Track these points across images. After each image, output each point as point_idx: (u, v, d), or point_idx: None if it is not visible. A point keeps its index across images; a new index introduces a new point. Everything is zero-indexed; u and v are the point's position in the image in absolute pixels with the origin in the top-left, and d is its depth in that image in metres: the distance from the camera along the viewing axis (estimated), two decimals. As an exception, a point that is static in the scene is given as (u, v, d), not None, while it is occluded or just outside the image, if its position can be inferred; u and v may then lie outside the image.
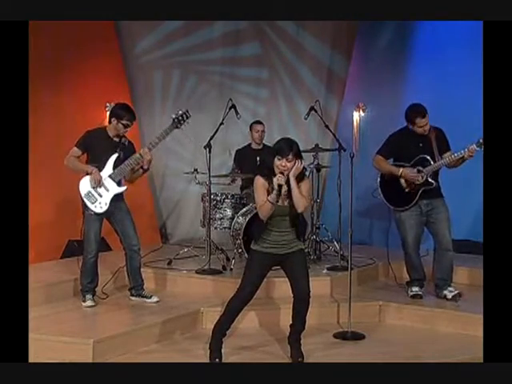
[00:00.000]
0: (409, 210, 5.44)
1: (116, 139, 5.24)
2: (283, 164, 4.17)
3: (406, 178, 5.38)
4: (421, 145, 5.38)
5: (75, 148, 5.19)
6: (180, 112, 5.20)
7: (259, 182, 4.27)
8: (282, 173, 4.17)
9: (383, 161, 5.51)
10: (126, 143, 5.29)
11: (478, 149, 5.07)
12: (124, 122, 5.16)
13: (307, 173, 5.72)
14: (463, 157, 5.19)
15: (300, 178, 4.27)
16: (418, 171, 5.35)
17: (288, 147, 4.20)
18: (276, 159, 4.19)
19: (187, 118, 5.20)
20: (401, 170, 5.40)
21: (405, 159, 5.44)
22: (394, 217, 5.61)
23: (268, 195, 4.19)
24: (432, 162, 5.32)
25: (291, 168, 4.18)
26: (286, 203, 4.26)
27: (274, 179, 4.16)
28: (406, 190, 5.42)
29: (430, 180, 5.33)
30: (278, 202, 4.19)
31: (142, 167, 5.21)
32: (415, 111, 5.34)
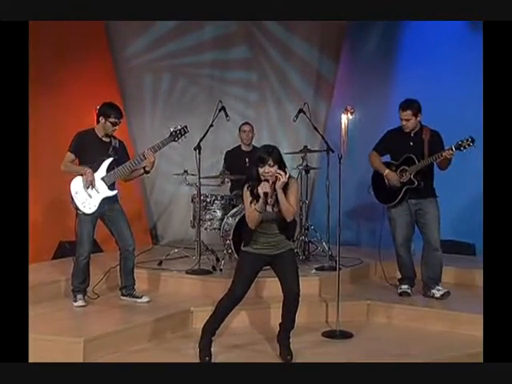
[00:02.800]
0: (398, 207, 5.54)
1: (106, 139, 5.29)
2: (266, 171, 4.20)
3: (388, 181, 5.52)
4: (411, 144, 5.48)
5: (69, 153, 5.25)
6: (179, 127, 5.31)
7: (246, 193, 4.32)
8: (266, 180, 4.20)
9: (376, 156, 5.64)
10: (117, 145, 5.33)
11: (455, 150, 5.19)
12: (112, 119, 5.21)
13: (295, 175, 5.81)
14: (442, 156, 5.26)
15: (286, 185, 4.28)
16: (404, 170, 5.46)
17: (266, 153, 4.22)
18: (259, 168, 4.23)
19: (185, 133, 5.32)
20: (386, 171, 5.54)
21: (395, 157, 5.57)
22: (386, 214, 5.69)
23: (255, 204, 4.24)
24: (417, 162, 5.40)
25: (275, 173, 4.20)
26: (273, 209, 4.30)
27: (259, 188, 4.18)
28: (389, 187, 5.54)
29: (412, 179, 5.42)
30: (265, 209, 4.23)
31: (144, 168, 5.28)
32: (401, 102, 5.48)
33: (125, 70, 7.89)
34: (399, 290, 5.67)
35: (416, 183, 5.43)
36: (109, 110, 5.23)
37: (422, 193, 5.49)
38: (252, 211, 4.25)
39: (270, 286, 5.35)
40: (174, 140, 5.31)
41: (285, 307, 4.46)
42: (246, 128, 7.03)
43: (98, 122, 5.29)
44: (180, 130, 5.30)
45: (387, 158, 5.71)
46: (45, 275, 5.85)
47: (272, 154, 4.22)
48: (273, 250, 4.38)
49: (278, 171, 4.20)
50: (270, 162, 4.19)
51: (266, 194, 4.17)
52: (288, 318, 4.47)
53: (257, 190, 4.21)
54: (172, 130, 5.31)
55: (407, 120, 5.41)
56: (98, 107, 5.44)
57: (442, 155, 5.26)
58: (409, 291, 5.64)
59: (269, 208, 4.29)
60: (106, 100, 5.49)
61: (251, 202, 4.27)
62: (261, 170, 4.22)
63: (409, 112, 5.40)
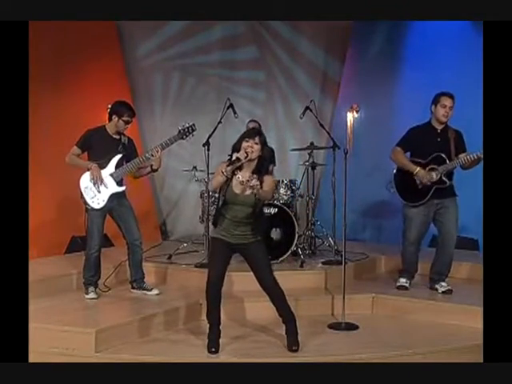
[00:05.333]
0: (418, 207, 5.48)
1: (116, 136, 5.38)
2: (250, 145, 4.31)
3: (420, 179, 5.41)
4: (439, 139, 5.42)
5: (75, 147, 5.33)
6: (187, 125, 5.38)
7: (223, 163, 4.39)
8: (246, 152, 4.31)
9: (401, 153, 5.53)
10: (126, 142, 5.43)
11: None
12: (125, 118, 5.31)
13: (302, 170, 5.83)
14: (479, 158, 5.20)
15: (261, 176, 4.35)
16: (433, 169, 5.39)
17: (256, 132, 4.43)
18: (244, 141, 4.33)
19: (193, 131, 5.39)
20: (417, 169, 5.41)
21: (421, 154, 5.45)
22: (402, 211, 5.65)
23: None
24: (448, 161, 5.36)
25: (256, 150, 4.32)
26: (242, 193, 4.33)
27: (234, 153, 4.31)
28: (420, 187, 5.43)
29: (443, 179, 5.38)
30: (230, 175, 4.26)
31: (151, 166, 5.37)
32: (443, 91, 5.43)
33: (135, 70, 8.04)
34: (397, 284, 5.73)
35: (447, 183, 5.39)
36: (122, 109, 5.33)
37: (447, 192, 5.45)
38: (218, 173, 4.34)
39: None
40: (182, 138, 5.37)
41: (271, 300, 4.52)
42: (251, 125, 6.90)
43: (110, 119, 5.38)
44: (188, 128, 5.37)
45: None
46: (58, 269, 5.99)
47: (261, 134, 4.40)
48: (236, 239, 4.42)
49: (256, 182, 4.23)
50: (257, 140, 4.33)
51: (237, 158, 4.28)
52: (281, 309, 4.51)
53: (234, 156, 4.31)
54: (180, 127, 5.38)
55: (450, 108, 5.37)
56: (109, 106, 5.56)
57: (478, 156, 5.18)
58: (406, 285, 5.71)
59: (239, 191, 4.33)
60: (116, 99, 5.59)
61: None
62: (245, 144, 4.32)
63: (453, 100, 5.37)
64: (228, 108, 6.35)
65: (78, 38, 7.00)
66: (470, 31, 6.93)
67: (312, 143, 6.76)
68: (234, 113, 6.40)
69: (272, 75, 8.44)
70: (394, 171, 5.66)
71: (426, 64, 7.35)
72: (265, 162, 4.42)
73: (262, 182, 4.33)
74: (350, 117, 7.87)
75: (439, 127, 5.47)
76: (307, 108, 6.53)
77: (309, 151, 6.74)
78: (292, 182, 6.61)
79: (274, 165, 6.86)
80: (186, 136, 5.39)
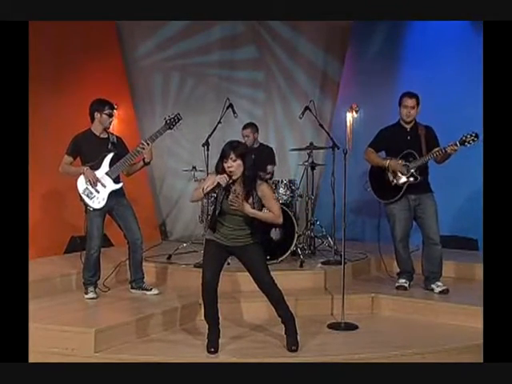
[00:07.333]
0: (397, 203, 5.60)
1: (104, 136, 5.40)
2: (229, 165, 4.23)
3: (393, 169, 5.55)
4: (409, 138, 5.54)
5: (66, 156, 5.35)
6: (172, 115, 5.40)
7: (211, 175, 4.38)
8: (229, 175, 4.24)
9: (373, 153, 5.69)
10: (115, 140, 5.44)
11: (459, 146, 5.24)
12: (106, 111, 5.35)
13: (301, 171, 5.77)
14: (446, 152, 5.33)
15: (249, 189, 4.29)
16: (404, 166, 5.51)
17: (229, 148, 4.26)
18: (224, 164, 4.26)
19: (178, 120, 5.39)
20: (387, 161, 5.58)
21: (393, 152, 5.61)
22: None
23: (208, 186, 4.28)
24: (418, 157, 5.47)
25: (238, 167, 4.24)
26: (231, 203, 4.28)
27: (218, 176, 4.24)
28: (393, 184, 5.58)
29: (414, 174, 5.49)
30: (207, 196, 4.30)
31: (143, 160, 5.37)
32: (405, 92, 5.56)
33: (135, 70, 8.05)
34: (396, 284, 5.76)
35: (418, 178, 5.49)
36: (101, 104, 5.37)
37: (421, 188, 5.55)
38: (199, 189, 4.35)
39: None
40: (170, 128, 5.37)
41: (269, 301, 4.50)
42: (245, 133, 6.85)
43: (93, 119, 5.38)
44: (174, 118, 5.38)
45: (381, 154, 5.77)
46: (57, 269, 5.98)
47: (235, 148, 4.25)
48: (232, 242, 4.41)
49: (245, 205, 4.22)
50: (232, 156, 4.22)
51: (218, 184, 4.22)
52: (279, 310, 4.50)
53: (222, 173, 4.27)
54: (166, 118, 5.38)
55: (412, 108, 5.48)
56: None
57: (445, 150, 5.32)
58: (406, 285, 5.73)
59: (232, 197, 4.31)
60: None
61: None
62: (225, 165, 4.25)
63: (414, 100, 5.49)
64: (227, 108, 6.35)
65: (77, 37, 7.02)
66: (469, 31, 6.95)
67: (311, 143, 6.76)
68: (234, 113, 6.39)
69: (271, 75, 8.45)
70: (369, 171, 5.79)
71: (426, 64, 7.36)
72: (249, 172, 4.31)
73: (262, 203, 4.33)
74: (350, 117, 7.88)
75: (408, 126, 5.59)
76: (306, 108, 6.54)
77: (308, 151, 6.75)
78: (291, 181, 6.62)
79: (275, 164, 6.88)
80: (173, 125, 5.39)
